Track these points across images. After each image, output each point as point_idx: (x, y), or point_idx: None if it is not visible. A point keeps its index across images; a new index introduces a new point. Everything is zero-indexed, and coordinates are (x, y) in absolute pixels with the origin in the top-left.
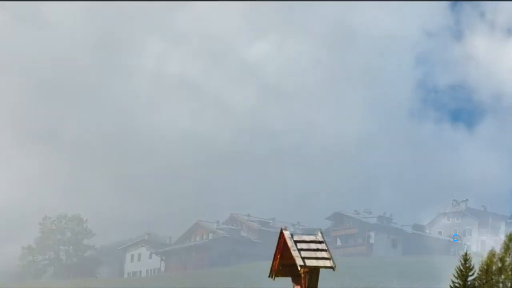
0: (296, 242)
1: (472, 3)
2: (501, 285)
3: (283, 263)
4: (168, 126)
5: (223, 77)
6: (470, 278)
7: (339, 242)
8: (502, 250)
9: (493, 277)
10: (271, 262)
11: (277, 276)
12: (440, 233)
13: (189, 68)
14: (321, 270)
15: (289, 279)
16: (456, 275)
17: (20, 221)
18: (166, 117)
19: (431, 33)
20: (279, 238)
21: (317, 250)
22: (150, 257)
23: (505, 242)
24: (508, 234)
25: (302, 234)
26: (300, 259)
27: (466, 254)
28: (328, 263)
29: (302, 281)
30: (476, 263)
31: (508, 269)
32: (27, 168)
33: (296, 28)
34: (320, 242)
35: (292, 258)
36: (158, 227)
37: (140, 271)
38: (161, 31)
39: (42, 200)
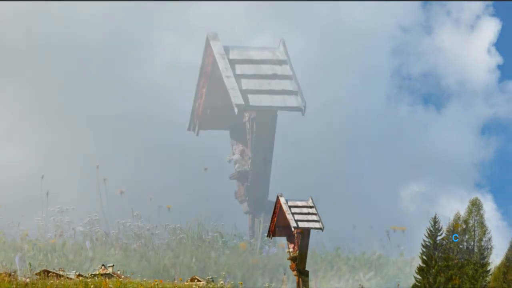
0: (290, 207)
1: (440, 2)
2: (465, 243)
3: (278, 225)
4: (181, 107)
5: (228, 66)
6: (438, 238)
7: None
8: (466, 214)
9: (458, 236)
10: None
11: (274, 236)
12: (412, 200)
13: (198, 58)
14: (312, 230)
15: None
16: (427, 235)
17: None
18: (180, 99)
19: (405, 28)
20: (276, 203)
21: (308, 213)
22: None
23: (468, 207)
24: (471, 200)
25: (295, 200)
26: (294, 222)
27: (435, 217)
28: (317, 225)
29: (296, 240)
30: (444, 225)
31: (471, 230)
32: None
33: (291, 24)
34: (310, 207)
35: (286, 221)
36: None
37: None
38: (174, 27)
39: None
